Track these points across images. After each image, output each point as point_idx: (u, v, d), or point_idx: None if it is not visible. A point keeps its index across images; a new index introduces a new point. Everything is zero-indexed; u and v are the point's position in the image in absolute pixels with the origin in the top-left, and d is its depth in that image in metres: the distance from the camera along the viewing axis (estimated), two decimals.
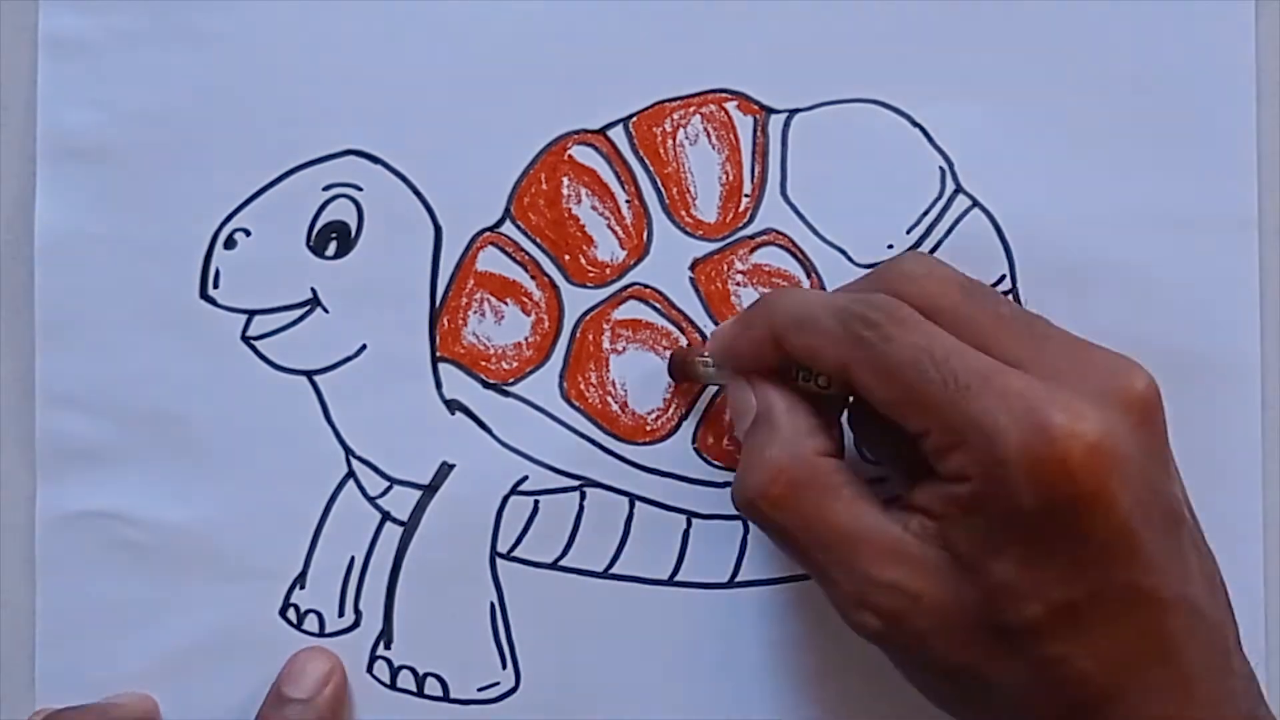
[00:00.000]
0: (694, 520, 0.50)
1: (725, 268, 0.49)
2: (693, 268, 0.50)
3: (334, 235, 0.50)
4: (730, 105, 0.50)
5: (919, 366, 0.41)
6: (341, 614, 0.50)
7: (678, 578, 0.50)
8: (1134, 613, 0.40)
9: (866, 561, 0.42)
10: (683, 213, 0.50)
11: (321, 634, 0.50)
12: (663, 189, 0.50)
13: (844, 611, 0.43)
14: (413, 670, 0.50)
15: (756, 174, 0.50)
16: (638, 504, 0.50)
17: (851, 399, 0.45)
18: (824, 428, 0.44)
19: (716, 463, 0.49)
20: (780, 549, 0.45)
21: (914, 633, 0.41)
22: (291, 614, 0.50)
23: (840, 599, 0.43)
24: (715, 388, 0.49)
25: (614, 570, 0.50)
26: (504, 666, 0.50)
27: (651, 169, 0.50)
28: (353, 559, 0.50)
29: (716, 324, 0.49)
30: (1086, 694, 0.40)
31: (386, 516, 0.50)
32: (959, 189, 0.50)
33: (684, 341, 0.49)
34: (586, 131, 0.50)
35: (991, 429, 0.39)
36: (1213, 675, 0.41)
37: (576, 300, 0.50)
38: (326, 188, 0.50)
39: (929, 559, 0.41)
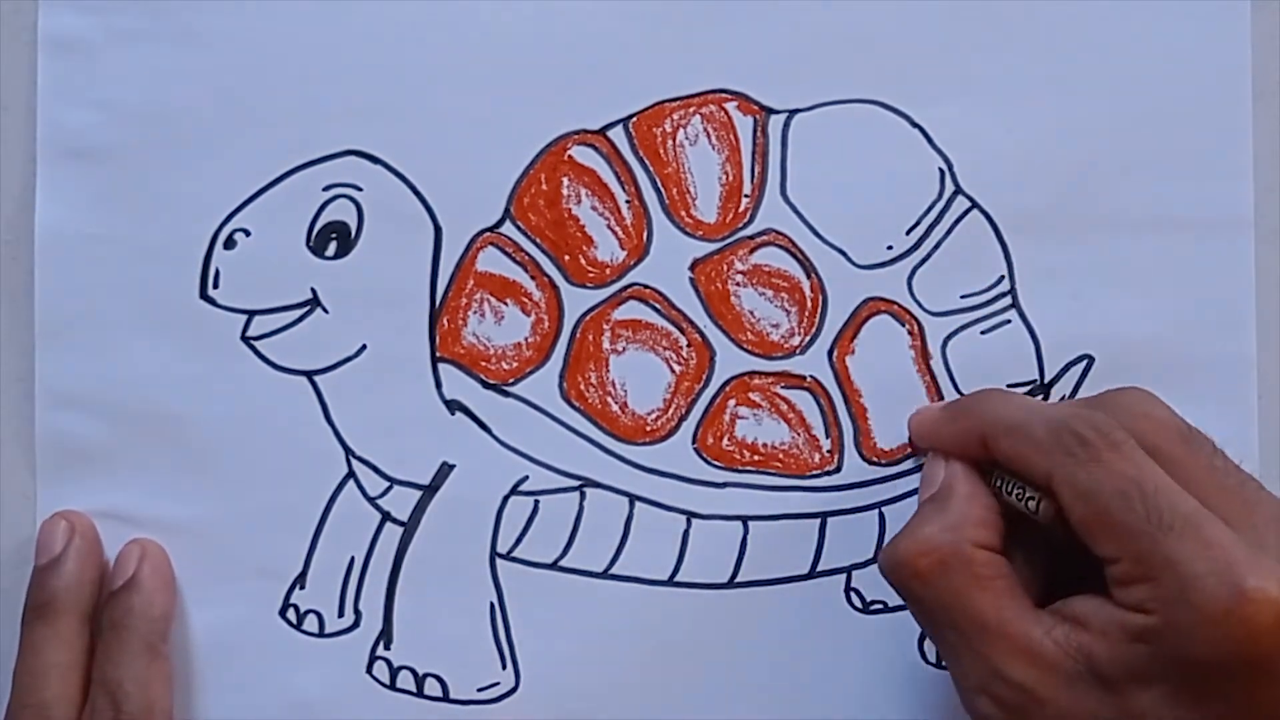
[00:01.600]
0: (694, 520, 0.50)
1: (725, 268, 0.50)
2: (693, 268, 0.50)
3: (334, 235, 0.50)
4: (730, 105, 0.50)
5: (1125, 495, 0.41)
6: (341, 614, 0.50)
7: (677, 578, 0.50)
8: None
9: (1000, 655, 0.42)
10: (682, 213, 0.50)
11: (321, 634, 0.50)
12: (663, 189, 0.50)
13: (964, 693, 0.43)
14: (412, 670, 0.50)
15: (756, 174, 0.50)
16: (637, 504, 0.50)
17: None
18: (997, 525, 0.44)
19: (716, 463, 0.50)
20: (915, 619, 0.45)
21: None
22: (291, 614, 0.50)
23: (964, 681, 0.43)
24: (716, 389, 0.49)
25: (614, 570, 0.50)
26: (504, 667, 0.50)
27: (651, 169, 0.50)
28: (353, 559, 0.50)
29: (716, 324, 0.49)
30: None
31: (386, 516, 0.50)
32: (958, 190, 0.50)
33: (684, 342, 0.49)
34: (586, 132, 0.50)
35: (1188, 574, 0.39)
36: None
37: (576, 300, 0.50)
38: (326, 188, 0.50)
39: (1064, 669, 0.41)
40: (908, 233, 0.50)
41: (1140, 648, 0.40)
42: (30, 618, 0.48)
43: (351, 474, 0.50)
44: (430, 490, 0.50)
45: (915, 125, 0.50)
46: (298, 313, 0.50)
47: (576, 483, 0.50)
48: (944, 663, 0.44)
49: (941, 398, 0.50)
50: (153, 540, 0.49)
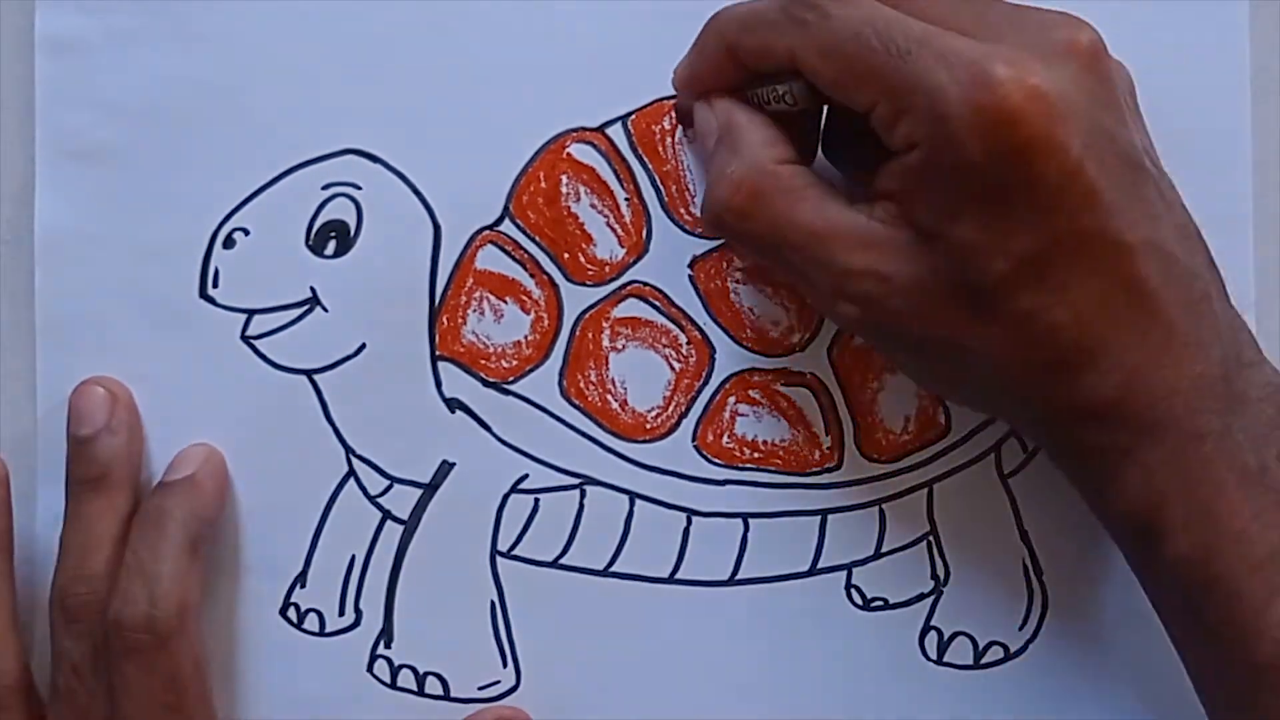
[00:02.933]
0: (694, 518, 0.50)
1: (724, 265, 0.50)
2: (692, 265, 0.50)
3: (333, 234, 0.50)
4: None
5: (860, 38, 0.41)
6: (342, 613, 0.50)
7: (678, 576, 0.50)
8: (1100, 258, 0.41)
9: (839, 253, 0.43)
10: (681, 210, 0.50)
11: (322, 633, 0.50)
12: (661, 187, 0.50)
13: (824, 307, 0.45)
14: (413, 669, 0.50)
15: None
16: (638, 502, 0.50)
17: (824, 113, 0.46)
18: (785, 139, 0.45)
19: (716, 460, 0.49)
20: (755, 257, 0.47)
21: (891, 312, 0.43)
22: (292, 613, 0.50)
23: (819, 295, 0.44)
24: (716, 386, 0.49)
25: (614, 568, 0.50)
26: (504, 665, 0.50)
27: (650, 167, 0.50)
28: (353, 558, 0.50)
29: (716, 322, 0.49)
30: (1064, 347, 0.41)
31: (387, 515, 0.50)
32: None
33: (683, 339, 0.49)
34: (585, 129, 0.50)
35: (933, 87, 0.40)
36: (1191, 317, 0.41)
37: (576, 298, 0.50)
38: (325, 187, 0.50)
39: (896, 240, 0.42)
40: None
41: (930, 183, 0.41)
42: (81, 489, 0.48)
43: (352, 473, 0.50)
44: (430, 489, 0.50)
45: None
46: (297, 312, 0.50)
47: (577, 481, 0.50)
48: (799, 289, 0.46)
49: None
50: (218, 450, 0.49)
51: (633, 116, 0.50)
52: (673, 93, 0.49)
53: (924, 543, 0.50)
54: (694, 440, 0.50)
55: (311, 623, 0.50)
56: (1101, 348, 0.41)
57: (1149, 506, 0.42)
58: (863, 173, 0.45)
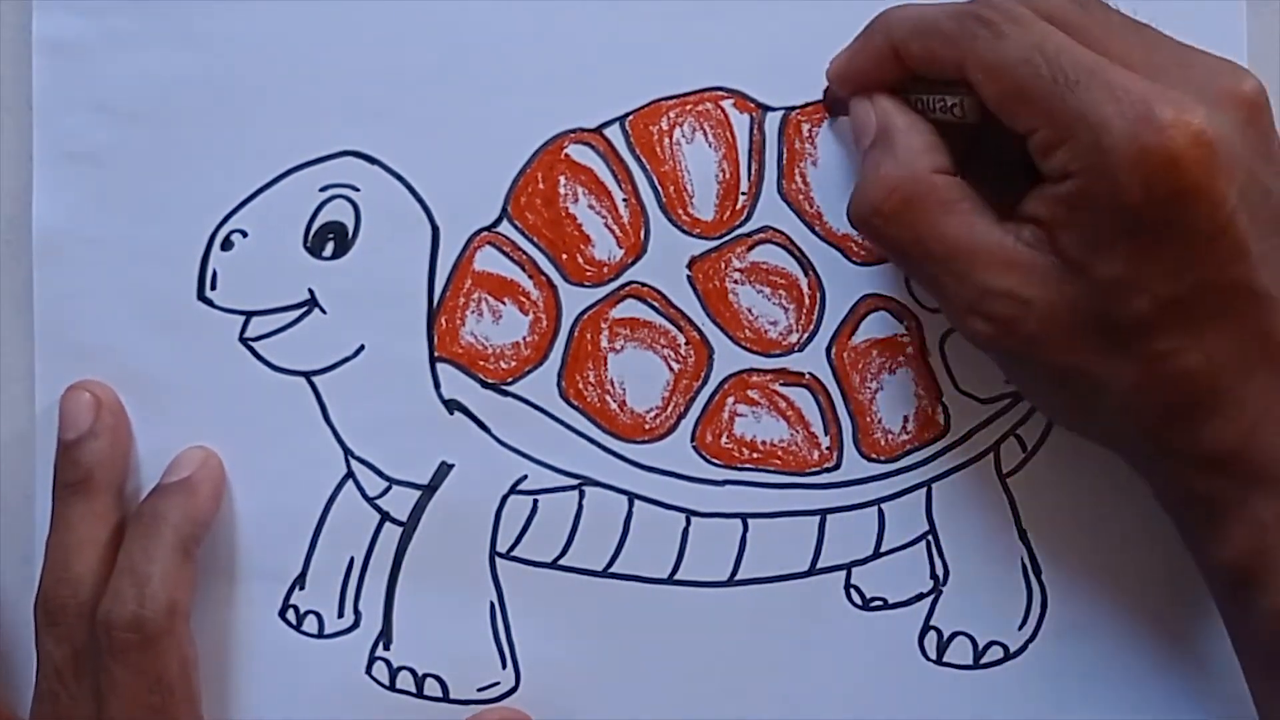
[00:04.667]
0: (693, 519, 0.50)
1: (723, 265, 0.50)
2: (690, 266, 0.50)
3: (331, 236, 0.50)
4: (726, 103, 0.50)
5: (1031, 62, 0.42)
6: (341, 614, 0.50)
7: (677, 576, 0.50)
8: (1241, 309, 0.41)
9: (980, 271, 0.43)
10: (680, 211, 0.50)
11: (321, 635, 0.50)
12: (659, 187, 0.50)
13: (957, 319, 0.45)
14: (412, 671, 0.50)
15: (753, 172, 0.50)
16: (637, 502, 0.50)
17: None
18: (941, 146, 0.45)
19: (715, 461, 0.49)
20: (894, 261, 0.47)
21: (1024, 337, 0.43)
22: (291, 615, 0.50)
23: (953, 308, 0.44)
24: (714, 387, 0.49)
25: (613, 569, 0.50)
26: (504, 666, 0.50)
27: (648, 167, 0.50)
28: (352, 559, 0.50)
29: (715, 322, 0.49)
30: (1193, 390, 0.41)
31: (386, 517, 0.50)
32: None
33: (682, 340, 0.49)
34: (583, 130, 0.50)
35: (1098, 121, 0.40)
36: None
37: (574, 299, 0.50)
38: (324, 188, 0.50)
39: (1040, 265, 0.42)
40: None
41: (1081, 215, 0.41)
42: (65, 493, 0.48)
43: (350, 474, 0.50)
44: (429, 490, 0.50)
45: None
46: (295, 313, 0.50)
47: (576, 481, 0.50)
48: (931, 297, 0.47)
49: (940, 395, 0.50)
50: (215, 453, 0.49)
51: (630, 117, 0.50)
52: (670, 93, 0.50)
53: (923, 542, 0.50)
54: (693, 440, 0.50)
55: (310, 624, 0.50)
56: (1229, 395, 0.41)
57: (1253, 558, 0.42)
58: (1008, 191, 0.45)
